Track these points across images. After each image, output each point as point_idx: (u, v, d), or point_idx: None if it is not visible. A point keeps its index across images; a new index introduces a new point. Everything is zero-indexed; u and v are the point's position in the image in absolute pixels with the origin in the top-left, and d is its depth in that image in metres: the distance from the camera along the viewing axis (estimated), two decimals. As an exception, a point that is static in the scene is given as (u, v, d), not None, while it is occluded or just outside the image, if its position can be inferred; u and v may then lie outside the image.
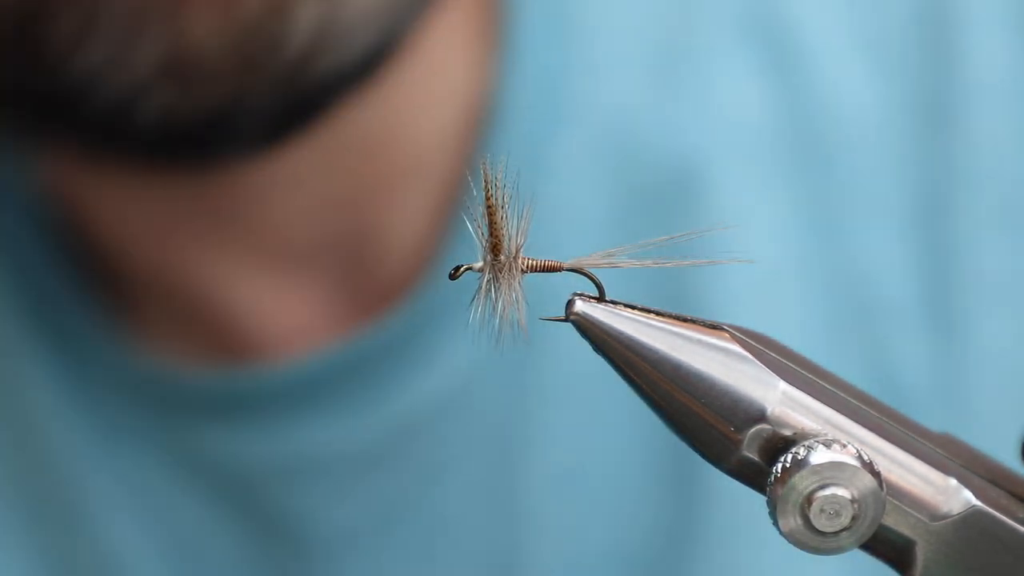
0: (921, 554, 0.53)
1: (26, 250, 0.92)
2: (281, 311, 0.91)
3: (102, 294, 0.92)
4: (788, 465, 0.51)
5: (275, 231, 0.89)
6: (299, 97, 0.80)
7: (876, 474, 0.52)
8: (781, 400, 0.52)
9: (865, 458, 0.52)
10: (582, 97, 0.91)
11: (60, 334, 0.92)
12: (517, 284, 0.54)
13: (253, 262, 0.90)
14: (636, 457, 0.91)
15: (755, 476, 0.53)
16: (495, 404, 0.90)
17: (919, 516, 0.53)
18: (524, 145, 0.89)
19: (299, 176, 0.87)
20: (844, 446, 0.52)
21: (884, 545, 0.54)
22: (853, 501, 0.52)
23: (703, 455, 0.53)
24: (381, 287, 0.91)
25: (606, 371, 0.53)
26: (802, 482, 0.51)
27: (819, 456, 0.51)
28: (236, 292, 0.90)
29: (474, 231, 0.54)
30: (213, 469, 0.92)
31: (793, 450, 0.52)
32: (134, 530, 0.92)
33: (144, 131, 0.79)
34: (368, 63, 0.81)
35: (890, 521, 0.53)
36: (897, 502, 0.53)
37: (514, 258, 0.54)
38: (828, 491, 0.51)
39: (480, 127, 0.90)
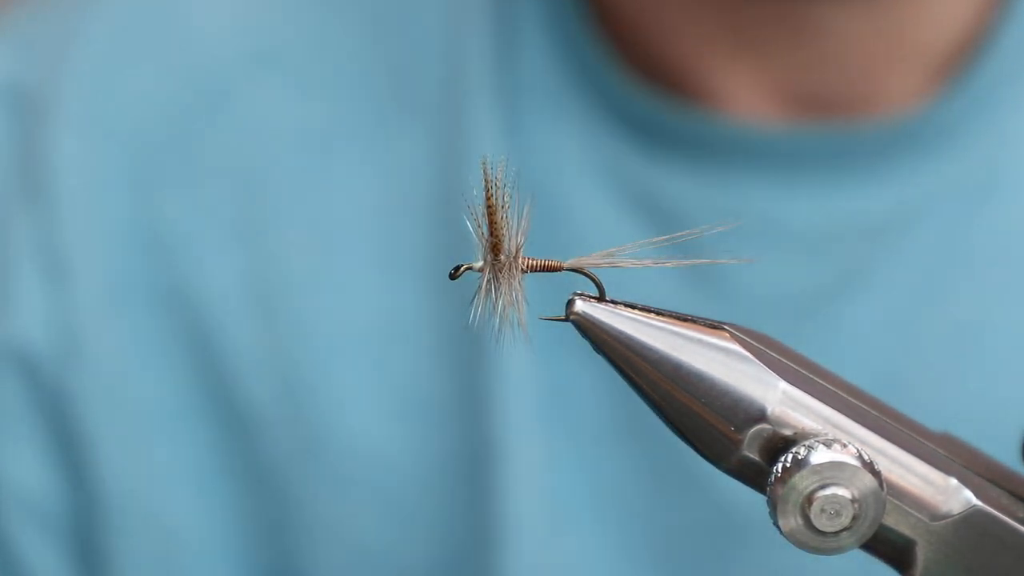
0: (922, 554, 0.53)
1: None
2: (746, 104, 0.96)
3: (605, 31, 0.97)
4: (788, 465, 0.51)
5: (788, 67, 0.95)
6: None
7: (876, 474, 0.51)
8: (781, 400, 0.52)
9: (865, 458, 0.52)
10: None
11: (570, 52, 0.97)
12: (517, 283, 0.54)
13: (751, 77, 0.95)
14: None
15: (755, 476, 0.53)
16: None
17: (919, 516, 0.53)
18: (1006, 69, 0.94)
19: (834, 35, 0.93)
20: (844, 446, 0.52)
21: (885, 545, 0.54)
22: (853, 501, 0.51)
23: (703, 455, 0.53)
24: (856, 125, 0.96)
25: None
26: (802, 482, 0.51)
27: (819, 456, 0.51)
28: (721, 84, 0.95)
29: (474, 231, 0.54)
30: (664, 213, 0.95)
31: (793, 450, 0.52)
32: None
33: None
34: None
35: (890, 521, 0.53)
36: (897, 502, 0.53)
37: (514, 258, 0.54)
38: (828, 491, 0.51)
39: (975, 42, 0.95)
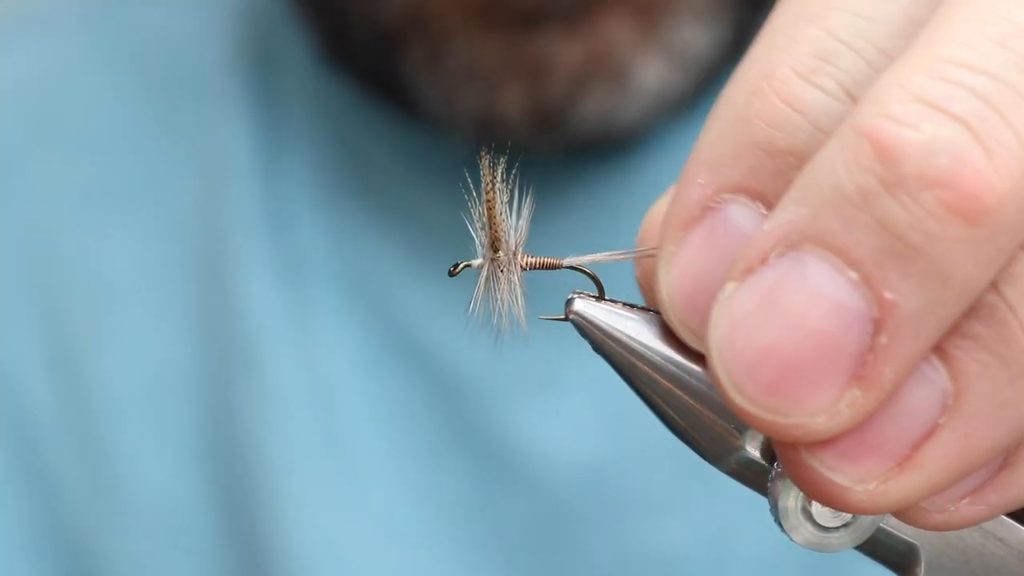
0: (923, 557, 0.53)
1: None
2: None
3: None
4: (790, 458, 0.51)
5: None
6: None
7: None
8: (782, 399, 0.52)
9: (867, 450, 0.51)
10: None
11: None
12: (516, 281, 0.54)
13: None
14: None
15: (756, 476, 0.52)
16: None
17: (921, 518, 0.53)
18: None
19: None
20: (846, 438, 0.51)
21: (886, 549, 0.53)
22: None
23: (703, 455, 0.53)
24: None
25: None
26: (804, 474, 0.51)
27: None
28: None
29: (473, 228, 0.53)
30: None
31: (795, 444, 0.51)
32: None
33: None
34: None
35: (892, 524, 0.52)
36: None
37: (513, 255, 0.54)
38: None
39: None
